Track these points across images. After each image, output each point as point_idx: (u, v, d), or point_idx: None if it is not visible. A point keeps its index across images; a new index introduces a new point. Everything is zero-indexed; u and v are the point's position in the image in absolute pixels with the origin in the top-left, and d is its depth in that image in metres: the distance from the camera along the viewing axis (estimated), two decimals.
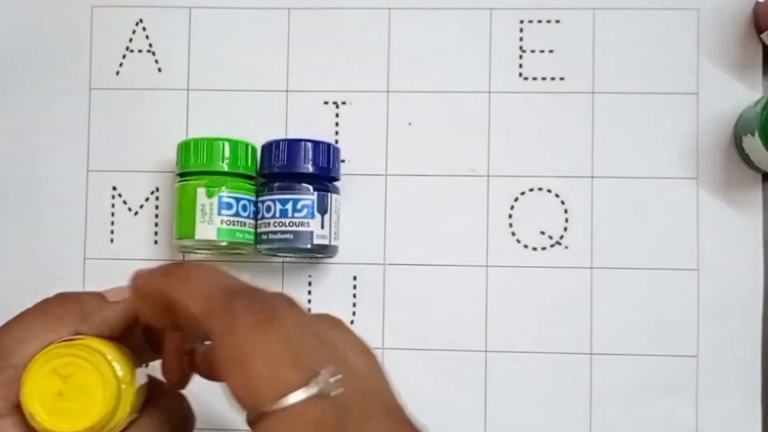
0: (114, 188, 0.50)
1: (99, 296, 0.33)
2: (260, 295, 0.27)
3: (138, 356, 0.33)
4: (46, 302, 0.32)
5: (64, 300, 0.32)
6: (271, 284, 0.49)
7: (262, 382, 0.25)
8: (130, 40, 0.51)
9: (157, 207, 0.50)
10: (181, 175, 0.47)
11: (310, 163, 0.46)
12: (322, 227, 0.46)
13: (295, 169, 0.46)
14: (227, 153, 0.46)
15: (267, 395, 0.25)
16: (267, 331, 0.26)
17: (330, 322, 0.29)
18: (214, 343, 0.26)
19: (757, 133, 0.44)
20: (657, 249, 0.49)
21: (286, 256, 0.49)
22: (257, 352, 0.25)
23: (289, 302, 0.28)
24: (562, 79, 0.50)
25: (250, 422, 0.25)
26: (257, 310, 0.26)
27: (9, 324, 0.31)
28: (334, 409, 0.25)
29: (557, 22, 0.50)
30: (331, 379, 0.25)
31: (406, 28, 0.50)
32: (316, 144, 0.46)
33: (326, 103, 0.50)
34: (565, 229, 0.49)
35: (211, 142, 0.46)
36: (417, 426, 0.27)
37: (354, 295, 0.49)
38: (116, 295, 0.32)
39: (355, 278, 0.49)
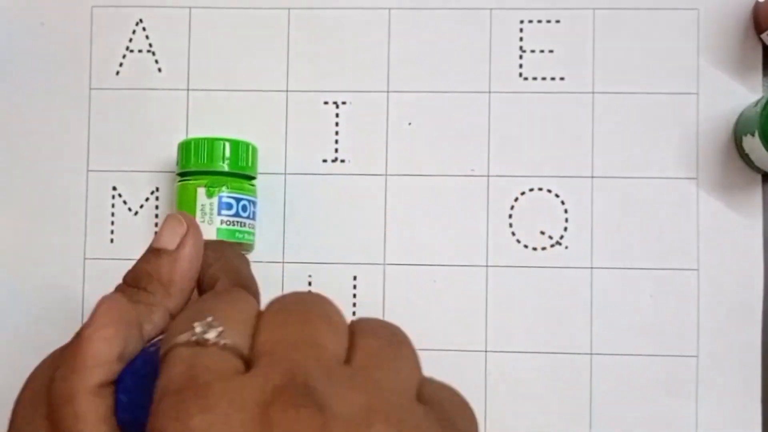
0: (114, 188, 0.50)
1: None
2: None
3: None
4: None
5: None
6: (270, 284, 0.50)
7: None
8: (130, 40, 0.51)
9: (157, 207, 0.50)
10: (182, 175, 0.47)
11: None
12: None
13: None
14: (228, 153, 0.46)
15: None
16: None
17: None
18: None
19: (757, 133, 0.44)
20: (657, 249, 0.49)
21: None
22: None
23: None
24: (562, 79, 0.50)
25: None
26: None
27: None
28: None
29: (557, 22, 0.50)
30: (210, 325, 0.23)
31: (406, 28, 0.50)
32: None
33: (326, 103, 0.50)
34: (565, 229, 0.49)
35: (211, 142, 0.46)
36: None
37: (354, 295, 0.49)
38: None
39: (355, 278, 0.49)
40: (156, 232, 0.32)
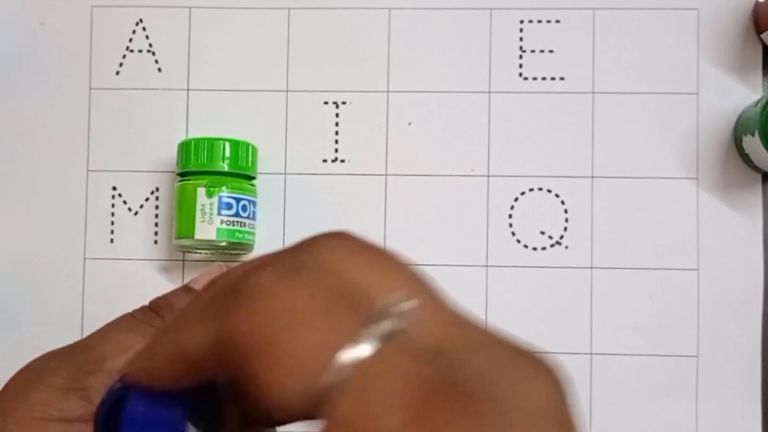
0: (114, 188, 0.50)
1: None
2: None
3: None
4: (144, 310, 0.31)
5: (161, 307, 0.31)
6: None
7: (301, 354, 0.16)
8: (130, 40, 0.51)
9: (157, 207, 0.50)
10: (182, 174, 0.47)
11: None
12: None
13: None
14: (228, 153, 0.46)
15: (315, 367, 0.16)
16: (291, 288, 0.17)
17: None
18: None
19: (757, 133, 0.44)
20: (657, 249, 0.49)
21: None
22: (283, 320, 0.17)
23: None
24: (562, 79, 0.50)
25: (305, 414, 0.16)
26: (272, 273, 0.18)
27: (109, 328, 0.29)
28: (423, 355, 0.16)
29: (557, 22, 0.50)
30: (401, 307, 0.17)
31: (406, 28, 0.50)
32: None
33: (326, 103, 0.50)
34: (565, 229, 0.49)
35: (211, 142, 0.46)
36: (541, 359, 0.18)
37: None
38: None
39: None
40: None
